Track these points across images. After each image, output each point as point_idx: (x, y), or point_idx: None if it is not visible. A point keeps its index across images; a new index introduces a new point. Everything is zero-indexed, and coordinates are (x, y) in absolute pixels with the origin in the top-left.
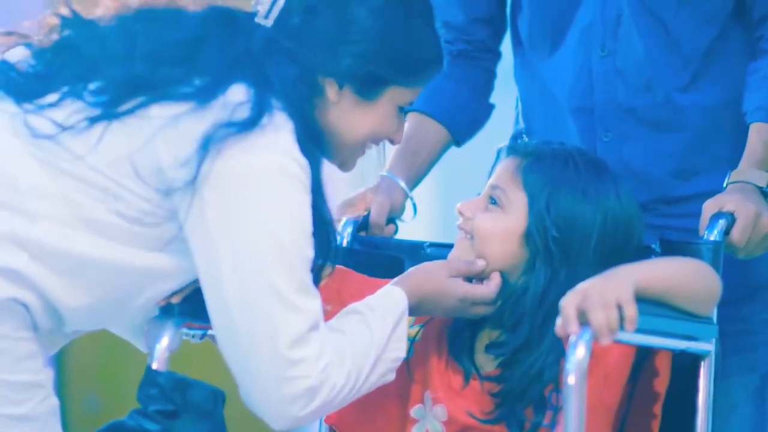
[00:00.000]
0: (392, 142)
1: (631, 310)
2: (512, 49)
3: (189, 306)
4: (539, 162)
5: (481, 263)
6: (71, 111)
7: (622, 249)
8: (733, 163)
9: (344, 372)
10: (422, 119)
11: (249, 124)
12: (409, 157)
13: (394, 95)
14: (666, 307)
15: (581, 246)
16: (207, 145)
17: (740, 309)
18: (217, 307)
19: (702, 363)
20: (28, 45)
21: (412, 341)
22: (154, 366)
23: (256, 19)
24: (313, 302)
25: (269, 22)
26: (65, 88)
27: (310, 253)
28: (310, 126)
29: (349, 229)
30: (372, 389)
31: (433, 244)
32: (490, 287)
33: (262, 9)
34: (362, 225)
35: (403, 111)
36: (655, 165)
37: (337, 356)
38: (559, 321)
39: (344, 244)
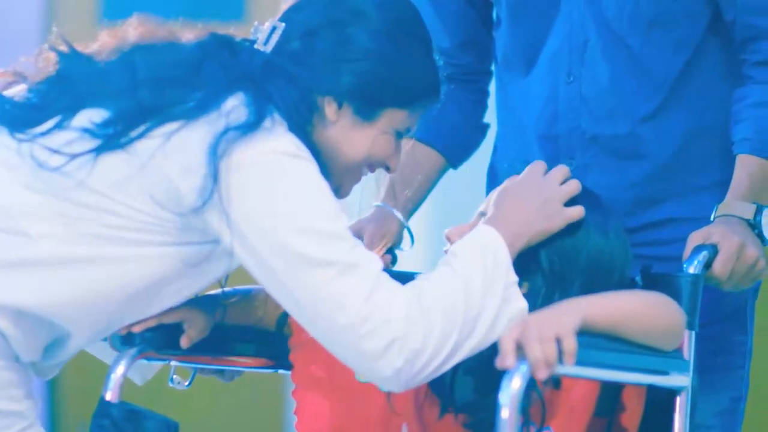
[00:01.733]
0: (388, 169)
1: (569, 344)
2: (495, 69)
3: (150, 335)
4: None
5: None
6: (68, 140)
7: (605, 283)
8: (697, 190)
9: (432, 317)
10: (414, 145)
11: (252, 126)
12: (404, 185)
13: (392, 118)
14: (621, 341)
15: (568, 277)
16: (215, 150)
17: (712, 329)
18: (284, 298)
19: (677, 397)
20: (25, 80)
21: None
22: (108, 396)
23: (256, 46)
24: (366, 256)
25: (269, 49)
26: (59, 118)
27: (343, 218)
28: (310, 146)
29: None
30: (503, 330)
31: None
32: (574, 185)
33: (261, 36)
34: None
35: (401, 137)
36: (619, 193)
37: (416, 301)
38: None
39: None
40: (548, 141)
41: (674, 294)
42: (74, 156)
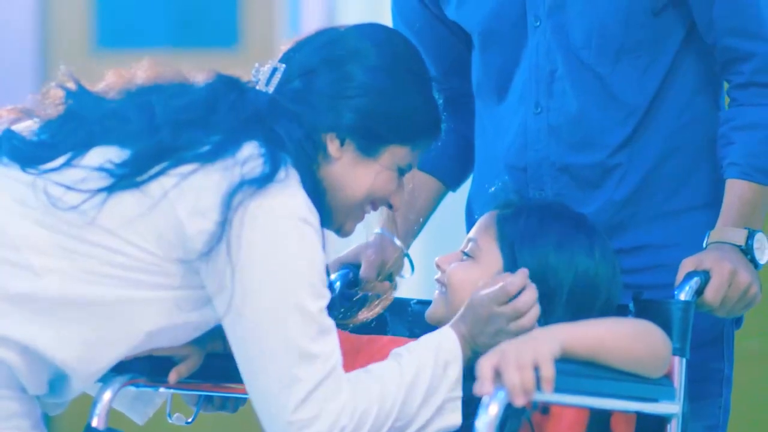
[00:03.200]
0: (391, 206)
1: (547, 370)
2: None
3: (138, 363)
4: (516, 215)
5: (520, 275)
6: (81, 177)
7: (591, 305)
8: (667, 215)
9: (357, 414)
10: (412, 172)
11: (267, 179)
12: (402, 212)
13: (394, 154)
14: (604, 368)
15: (553, 298)
16: (230, 201)
17: (691, 356)
18: (233, 343)
19: (668, 425)
20: (32, 116)
21: None
22: (94, 423)
23: (258, 87)
24: (330, 346)
25: (271, 89)
26: (69, 155)
27: (326, 299)
28: (315, 185)
29: (338, 285)
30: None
31: (419, 302)
32: (524, 298)
33: (262, 77)
34: (352, 282)
35: (403, 174)
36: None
37: (351, 407)
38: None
39: None
40: (518, 171)
41: (665, 320)
42: (93, 193)
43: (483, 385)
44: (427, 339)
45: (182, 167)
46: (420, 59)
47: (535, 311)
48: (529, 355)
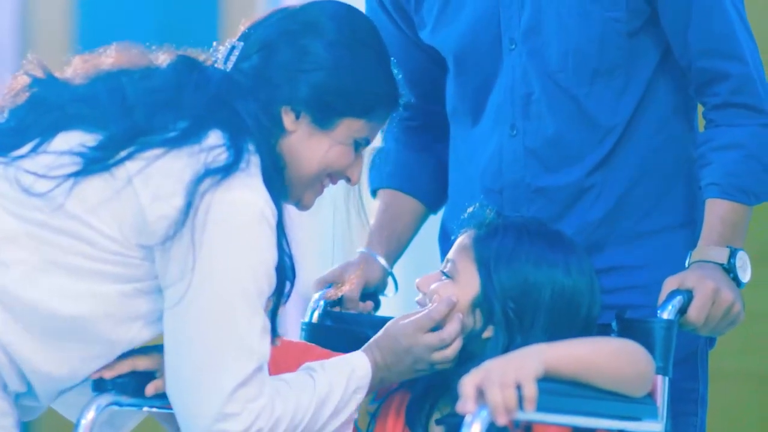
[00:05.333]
0: (349, 180)
1: (529, 389)
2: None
3: (122, 381)
4: (492, 234)
5: (443, 304)
6: (50, 163)
7: (571, 321)
8: (642, 235)
9: (273, 419)
10: (394, 194)
11: (230, 168)
12: (386, 232)
13: (349, 127)
14: (587, 387)
15: (532, 315)
16: (194, 189)
17: None
18: (173, 333)
19: None
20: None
21: (373, 416)
22: None
23: (216, 65)
24: (265, 344)
25: (228, 67)
26: (37, 141)
27: (266, 296)
28: (275, 160)
29: (321, 304)
30: None
31: None
32: (450, 329)
33: (221, 56)
34: (336, 300)
35: (359, 147)
36: None
37: (269, 410)
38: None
39: (314, 319)
40: (494, 194)
41: (648, 339)
42: (63, 178)
43: (466, 404)
44: (341, 362)
45: (150, 151)
46: (377, 35)
47: (459, 343)
48: (512, 374)
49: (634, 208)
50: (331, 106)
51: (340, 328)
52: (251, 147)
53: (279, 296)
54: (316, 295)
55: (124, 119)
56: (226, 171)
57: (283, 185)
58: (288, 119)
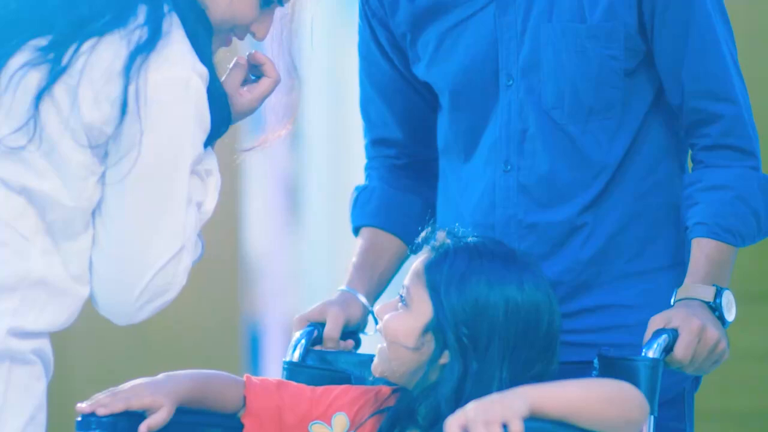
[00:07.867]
0: (255, 35)
1: (515, 427)
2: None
3: (108, 420)
4: (444, 257)
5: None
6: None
7: (532, 338)
8: (629, 276)
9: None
10: (376, 232)
11: (154, 39)
12: (368, 270)
13: None
14: (574, 428)
15: (488, 336)
16: (128, 73)
17: None
18: (112, 209)
19: None
20: None
21: None
22: None
23: None
24: (191, 215)
25: None
26: None
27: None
28: (196, 11)
29: (303, 342)
30: None
31: None
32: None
33: None
34: (317, 339)
35: (267, 5)
36: (556, 278)
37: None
38: None
39: (295, 358)
40: (485, 229)
41: (632, 378)
42: (37, 97)
43: None
44: None
45: (89, 42)
46: None
47: None
48: (498, 412)
49: (625, 248)
50: None
51: (322, 368)
52: (166, 7)
53: (222, 124)
54: (297, 334)
55: (71, 13)
56: (150, 44)
57: (208, 28)
58: None
